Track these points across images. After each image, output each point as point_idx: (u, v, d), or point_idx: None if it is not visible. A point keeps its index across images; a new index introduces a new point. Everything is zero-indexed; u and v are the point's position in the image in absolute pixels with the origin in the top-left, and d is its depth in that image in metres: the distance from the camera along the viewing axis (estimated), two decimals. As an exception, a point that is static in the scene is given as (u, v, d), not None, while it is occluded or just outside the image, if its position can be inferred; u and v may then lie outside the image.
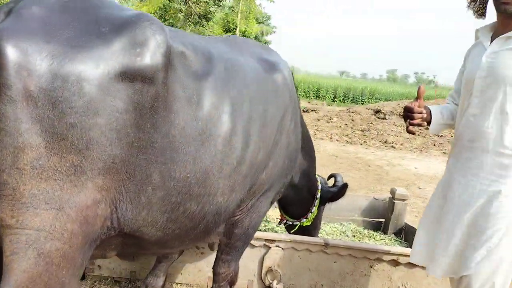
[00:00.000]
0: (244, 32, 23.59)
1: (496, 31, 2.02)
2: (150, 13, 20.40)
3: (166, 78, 1.45)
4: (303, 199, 2.93)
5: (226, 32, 24.38)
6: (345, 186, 2.96)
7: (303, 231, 3.06)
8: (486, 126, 1.95)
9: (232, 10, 24.17)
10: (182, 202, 1.60)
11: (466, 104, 2.06)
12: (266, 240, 2.86)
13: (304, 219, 2.95)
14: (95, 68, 1.26)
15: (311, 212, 2.94)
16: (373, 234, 4.10)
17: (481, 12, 2.17)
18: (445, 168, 2.22)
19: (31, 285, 1.25)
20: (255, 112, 1.86)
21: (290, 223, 3.01)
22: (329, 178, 3.29)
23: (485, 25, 2.11)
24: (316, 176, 3.04)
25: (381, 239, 4.00)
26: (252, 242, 2.85)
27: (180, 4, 19.49)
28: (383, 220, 4.23)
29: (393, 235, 4.08)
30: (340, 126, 11.83)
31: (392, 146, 10.10)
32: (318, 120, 12.93)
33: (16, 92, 1.16)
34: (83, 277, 2.83)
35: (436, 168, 7.98)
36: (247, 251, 2.82)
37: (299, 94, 33.96)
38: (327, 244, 2.85)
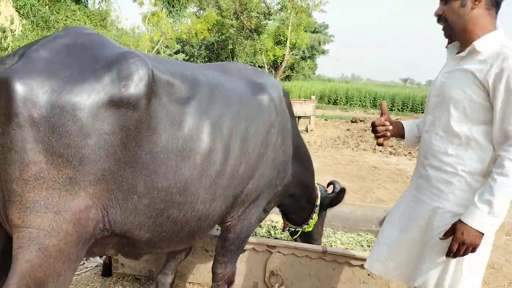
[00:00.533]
0: (295, 43, 23.92)
1: (459, 50, 2.10)
2: (205, 29, 21.39)
3: (149, 104, 1.79)
4: (303, 207, 3.17)
5: (277, 44, 24.87)
6: (342, 191, 3.17)
7: (306, 236, 3.30)
8: (433, 143, 2.07)
9: (283, 23, 24.65)
10: (165, 208, 1.92)
11: (423, 121, 2.21)
12: (267, 246, 3.12)
13: (305, 225, 3.20)
14: (87, 99, 1.62)
15: (312, 219, 3.19)
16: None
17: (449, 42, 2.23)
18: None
19: (33, 273, 1.61)
20: (236, 130, 2.16)
21: (293, 229, 3.26)
22: (328, 185, 3.50)
23: (455, 43, 2.17)
24: (316, 184, 3.27)
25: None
26: (256, 247, 3.13)
27: (232, 19, 20.18)
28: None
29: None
30: (385, 138, 11.69)
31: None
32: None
33: (23, 119, 1.52)
34: (110, 274, 3.25)
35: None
36: (252, 255, 3.11)
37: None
38: (325, 251, 3.05)
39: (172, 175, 1.88)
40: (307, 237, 3.34)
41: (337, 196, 3.20)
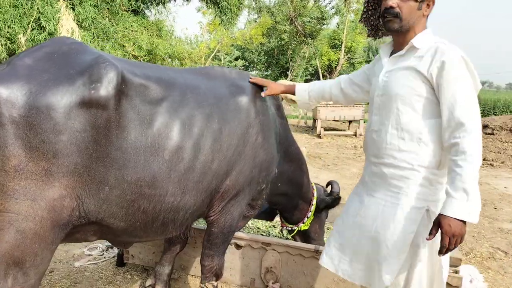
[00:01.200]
0: (350, 47, 23.58)
1: (393, 49, 2.19)
2: (259, 34, 21.72)
3: (119, 104, 2.01)
4: (297, 206, 3.28)
5: (332, 48, 24.64)
6: (337, 199, 3.23)
7: (303, 235, 3.39)
8: (384, 141, 2.11)
9: (338, 27, 24.37)
10: (136, 200, 2.13)
11: (369, 122, 2.26)
12: (262, 243, 3.25)
13: (301, 224, 3.30)
14: (60, 100, 1.86)
15: (307, 218, 3.29)
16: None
17: (372, 33, 2.34)
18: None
19: (11, 252, 1.87)
20: (208, 129, 2.33)
21: (289, 228, 3.37)
22: (327, 185, 3.55)
23: (388, 42, 2.27)
24: (313, 184, 3.35)
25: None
26: (251, 244, 3.27)
27: (285, 25, 20.36)
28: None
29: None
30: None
31: (490, 164, 9.37)
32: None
33: (4, 118, 1.79)
34: (123, 264, 3.55)
35: (532, 189, 7.28)
36: (248, 252, 3.26)
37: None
38: (317, 250, 3.13)
39: (141, 169, 2.09)
40: (305, 236, 3.43)
41: (332, 203, 3.29)
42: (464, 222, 1.83)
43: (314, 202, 3.32)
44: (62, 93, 1.87)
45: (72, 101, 1.89)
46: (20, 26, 9.00)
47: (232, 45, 26.47)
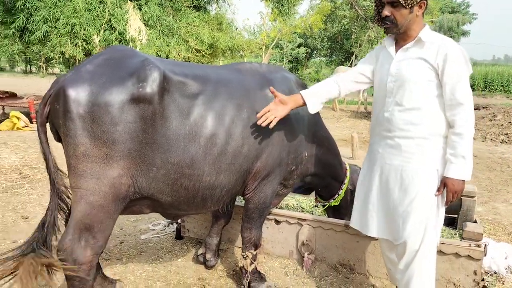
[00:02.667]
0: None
1: (398, 41, 2.63)
2: (319, 21, 21.68)
3: (162, 99, 2.46)
4: (329, 184, 3.61)
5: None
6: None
7: (335, 211, 3.73)
8: (398, 118, 2.57)
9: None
10: (178, 178, 2.59)
11: (382, 104, 2.67)
12: (298, 219, 3.61)
13: (332, 200, 3.63)
14: (115, 98, 2.35)
15: (338, 195, 3.62)
16: (444, 229, 4.29)
17: (386, 32, 2.65)
18: (368, 151, 2.89)
19: (83, 219, 2.40)
20: (239, 118, 2.73)
21: (322, 203, 3.71)
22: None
23: (387, 38, 2.72)
24: (347, 165, 3.66)
25: (447, 234, 4.18)
26: (289, 220, 3.66)
27: (344, 10, 20.11)
28: (456, 216, 4.35)
29: (461, 230, 4.20)
30: (502, 125, 10.83)
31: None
32: (482, 118, 12.01)
33: (74, 114, 2.31)
34: (181, 237, 4.08)
35: None
36: (286, 227, 3.65)
37: (495, 89, 30.26)
38: (347, 225, 3.43)
39: (181, 153, 2.54)
40: (336, 211, 3.75)
41: (355, 177, 3.57)
42: (463, 181, 2.43)
43: (346, 181, 3.62)
44: (116, 92, 2.36)
45: (124, 98, 2.37)
46: (94, 28, 9.95)
47: (295, 32, 26.60)
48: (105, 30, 10.21)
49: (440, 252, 3.12)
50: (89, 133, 2.34)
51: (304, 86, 3.27)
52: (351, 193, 3.71)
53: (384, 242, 2.87)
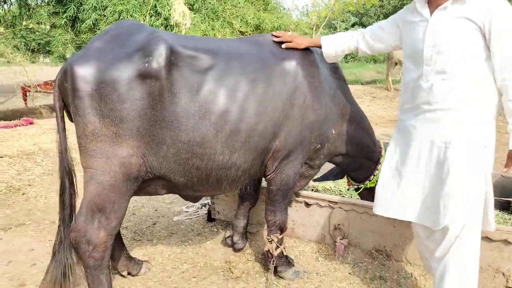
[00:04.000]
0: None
1: (431, 1, 2.31)
2: (372, -3, 20.70)
3: (170, 74, 2.34)
4: (363, 165, 3.33)
5: None
6: None
7: (372, 193, 3.44)
8: (438, 89, 2.27)
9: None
10: (190, 158, 2.47)
11: (419, 74, 2.35)
12: (329, 201, 3.39)
13: (367, 181, 3.36)
14: (122, 74, 2.26)
15: (374, 175, 3.33)
16: (497, 213, 3.90)
17: None
18: (396, 128, 2.60)
19: (94, 199, 2.36)
20: (253, 93, 2.55)
21: (356, 186, 3.45)
22: None
23: None
24: (381, 143, 3.36)
25: (501, 218, 3.80)
26: (320, 202, 3.45)
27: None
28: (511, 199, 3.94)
29: (517, 215, 3.79)
30: None
31: None
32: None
33: (82, 92, 2.25)
34: (212, 220, 4.01)
35: None
36: (317, 210, 3.46)
37: None
38: (382, 209, 3.17)
39: (191, 131, 2.41)
40: (371, 194, 3.45)
41: None
42: None
43: (382, 160, 3.33)
44: (123, 69, 2.26)
45: (131, 75, 2.27)
46: (140, 14, 10.08)
47: (348, 11, 25.67)
48: (151, 16, 10.32)
49: (486, 239, 2.80)
50: (97, 111, 2.27)
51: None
52: None
53: (421, 228, 2.54)
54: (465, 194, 2.22)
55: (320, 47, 2.85)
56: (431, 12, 2.31)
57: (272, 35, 2.87)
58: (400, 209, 2.48)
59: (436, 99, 2.29)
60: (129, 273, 3.07)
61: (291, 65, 2.73)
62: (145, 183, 2.54)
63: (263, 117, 2.58)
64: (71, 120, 2.48)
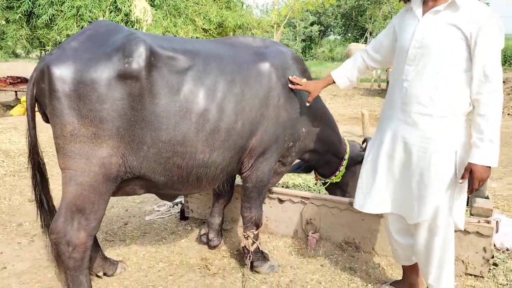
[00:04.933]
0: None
1: (426, 2, 2.32)
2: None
3: (150, 75, 2.36)
4: (329, 161, 3.50)
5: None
6: (363, 143, 3.40)
7: (336, 188, 3.63)
8: (418, 91, 2.31)
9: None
10: (171, 157, 2.50)
11: (400, 72, 2.40)
12: (302, 197, 3.52)
13: (333, 177, 3.53)
14: (101, 74, 2.27)
15: (339, 171, 3.51)
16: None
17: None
18: (378, 124, 2.64)
19: (74, 201, 2.35)
20: (231, 93, 2.61)
21: (323, 181, 3.60)
22: (363, 142, 3.68)
23: None
24: (346, 141, 3.53)
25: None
26: (292, 199, 3.56)
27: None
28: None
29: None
30: (521, 98, 10.49)
31: None
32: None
33: (60, 93, 2.23)
34: (185, 218, 4.04)
35: None
36: (290, 206, 3.57)
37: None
38: (351, 203, 3.31)
39: (172, 130, 2.45)
40: (338, 189, 3.65)
41: (356, 152, 3.46)
42: (489, 167, 2.21)
43: (347, 157, 3.50)
44: (102, 69, 2.27)
45: (110, 75, 2.28)
46: (99, 10, 9.83)
47: (307, 10, 26.06)
48: (110, 12, 10.08)
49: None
50: (75, 112, 2.26)
51: (301, 62, 3.14)
52: (353, 170, 3.59)
53: (393, 223, 2.67)
54: (437, 196, 2.32)
55: (332, 82, 2.95)
56: (424, 13, 2.32)
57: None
58: (378, 202, 2.58)
59: (412, 101, 2.33)
60: (104, 274, 3.06)
61: (266, 66, 2.82)
62: (124, 183, 2.56)
63: (241, 116, 2.66)
64: (45, 121, 2.46)
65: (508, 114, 9.36)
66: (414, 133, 2.36)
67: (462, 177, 2.26)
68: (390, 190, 2.52)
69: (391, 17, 23.72)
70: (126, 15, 10.09)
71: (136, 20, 9.86)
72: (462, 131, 2.32)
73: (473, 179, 2.23)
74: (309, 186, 4.66)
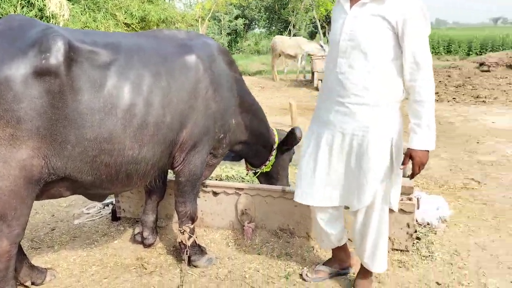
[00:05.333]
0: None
1: None
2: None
3: (70, 71, 2.25)
4: (259, 151, 3.57)
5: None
6: (291, 133, 3.51)
7: (267, 177, 3.72)
8: (353, 82, 2.36)
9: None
10: (98, 155, 2.41)
11: (332, 64, 2.46)
12: (236, 189, 3.55)
13: (263, 166, 3.62)
14: (16, 72, 2.12)
15: (269, 161, 3.60)
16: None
17: None
18: (313, 115, 2.69)
19: None
20: (157, 86, 2.56)
21: (253, 171, 3.69)
22: (290, 132, 3.75)
23: None
24: (275, 130, 3.62)
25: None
26: (227, 190, 3.58)
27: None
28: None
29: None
30: (432, 84, 11.35)
31: (483, 101, 9.45)
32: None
33: None
34: (117, 219, 3.90)
35: (519, 121, 7.46)
36: (225, 198, 3.58)
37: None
38: (284, 190, 3.42)
39: (97, 127, 2.36)
40: (268, 177, 3.75)
41: (285, 139, 3.58)
42: (428, 151, 2.30)
43: (275, 146, 3.60)
44: (17, 66, 2.12)
45: (27, 72, 2.14)
46: (10, 5, 9.17)
47: (231, 4, 26.10)
48: (22, 7, 9.44)
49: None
50: None
51: (227, 54, 3.15)
52: (281, 157, 3.69)
53: (322, 215, 2.71)
54: (376, 182, 2.41)
55: None
56: (352, 6, 2.36)
57: None
58: (320, 199, 2.61)
59: (347, 93, 2.37)
60: (33, 283, 2.89)
61: (192, 58, 2.79)
62: (48, 186, 2.43)
63: (169, 109, 2.62)
64: None
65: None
66: (352, 123, 2.40)
67: (403, 163, 2.36)
68: (333, 183, 2.55)
69: (313, 10, 24.50)
70: (40, 10, 9.50)
71: (52, 15, 9.30)
72: (397, 118, 2.40)
73: (413, 164, 2.32)
74: (242, 178, 4.71)
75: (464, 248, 3.38)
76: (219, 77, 2.94)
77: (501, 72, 10.97)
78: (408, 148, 2.32)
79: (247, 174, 3.91)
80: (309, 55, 15.14)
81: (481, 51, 30.62)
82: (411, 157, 2.32)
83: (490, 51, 30.18)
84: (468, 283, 2.91)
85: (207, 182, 3.59)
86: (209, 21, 22.45)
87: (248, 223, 3.54)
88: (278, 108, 10.16)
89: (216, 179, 4.48)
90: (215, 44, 3.07)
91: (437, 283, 2.92)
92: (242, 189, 3.54)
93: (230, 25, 32.49)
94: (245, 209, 3.57)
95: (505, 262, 3.17)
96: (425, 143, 2.28)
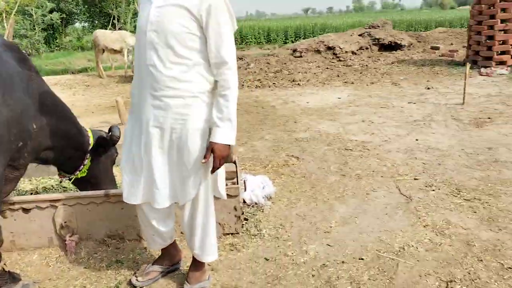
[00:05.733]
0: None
1: None
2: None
3: None
4: (71, 156, 3.25)
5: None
6: (114, 143, 3.31)
7: (84, 182, 3.43)
8: (163, 75, 2.26)
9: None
10: None
11: (142, 56, 2.32)
12: (50, 201, 3.20)
13: (78, 172, 3.32)
14: None
15: (84, 165, 3.32)
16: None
17: None
18: (130, 115, 2.56)
19: None
20: None
21: (67, 177, 3.38)
22: (109, 130, 3.53)
23: None
24: (89, 131, 3.36)
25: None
26: (39, 205, 3.19)
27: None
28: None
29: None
30: (255, 72, 12.05)
31: (298, 84, 10.43)
32: (239, 67, 13.08)
33: None
34: None
35: (328, 99, 8.43)
36: (39, 213, 3.19)
37: (250, 42, 33.66)
38: (108, 194, 3.21)
39: None
40: (86, 183, 3.45)
41: (101, 140, 3.36)
42: (229, 146, 2.31)
43: (89, 148, 3.33)
44: None
45: None
46: None
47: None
48: None
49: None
50: None
51: (17, 50, 2.78)
52: (99, 160, 3.44)
53: (150, 214, 2.60)
54: (199, 173, 2.38)
55: None
56: None
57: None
58: (137, 194, 2.48)
59: (160, 86, 2.27)
60: None
61: None
62: None
63: None
64: None
65: (248, 86, 10.60)
66: (168, 116, 2.31)
67: (205, 157, 2.32)
68: (158, 181, 2.41)
69: (134, 2, 23.72)
70: None
71: None
72: (209, 110, 2.36)
73: (214, 158, 2.31)
74: (64, 187, 4.29)
75: (287, 221, 3.65)
76: (8, 78, 2.56)
77: (311, 57, 12.24)
78: (210, 142, 2.31)
79: (60, 182, 3.54)
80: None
81: (296, 38, 34.11)
82: (212, 151, 2.31)
83: (303, 38, 33.81)
84: (292, 253, 3.15)
85: (14, 198, 3.14)
86: (17, 15, 19.89)
87: (70, 237, 3.22)
88: (106, 107, 9.58)
89: (32, 193, 3.98)
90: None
91: (265, 258, 3.09)
92: (59, 200, 3.20)
93: (45, 19, 29.39)
94: (65, 222, 3.23)
95: (321, 228, 3.52)
96: (227, 137, 2.29)
